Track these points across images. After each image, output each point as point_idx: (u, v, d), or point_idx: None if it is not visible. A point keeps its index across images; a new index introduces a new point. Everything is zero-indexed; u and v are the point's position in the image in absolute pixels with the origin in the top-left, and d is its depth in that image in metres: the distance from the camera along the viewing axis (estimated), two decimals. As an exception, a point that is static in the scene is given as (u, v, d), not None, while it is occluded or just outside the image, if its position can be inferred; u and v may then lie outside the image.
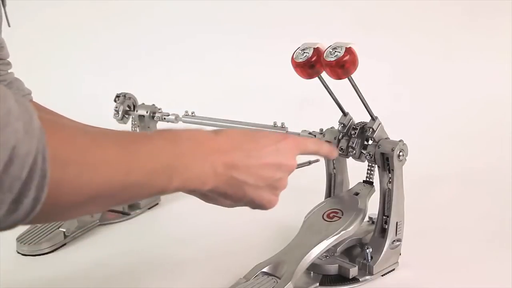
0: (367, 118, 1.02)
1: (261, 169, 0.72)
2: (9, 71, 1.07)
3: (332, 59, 0.92)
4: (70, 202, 0.53)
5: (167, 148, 0.62)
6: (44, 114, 0.51)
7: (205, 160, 0.65)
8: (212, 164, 0.66)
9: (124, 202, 0.62)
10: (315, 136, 1.08)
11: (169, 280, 1.03)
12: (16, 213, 0.48)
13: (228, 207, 0.75)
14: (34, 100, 1.05)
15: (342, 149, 1.03)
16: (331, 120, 1.07)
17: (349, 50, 0.93)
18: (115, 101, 1.29)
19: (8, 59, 1.07)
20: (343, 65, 0.92)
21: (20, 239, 1.14)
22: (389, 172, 1.00)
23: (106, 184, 0.55)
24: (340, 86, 0.98)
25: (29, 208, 0.49)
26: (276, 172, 0.74)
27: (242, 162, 0.69)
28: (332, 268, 1.01)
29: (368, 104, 1.00)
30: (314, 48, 0.96)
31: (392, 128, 1.04)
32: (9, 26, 0.96)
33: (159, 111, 1.28)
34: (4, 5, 0.93)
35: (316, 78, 0.99)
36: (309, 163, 1.06)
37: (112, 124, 1.32)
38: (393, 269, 1.04)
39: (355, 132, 1.02)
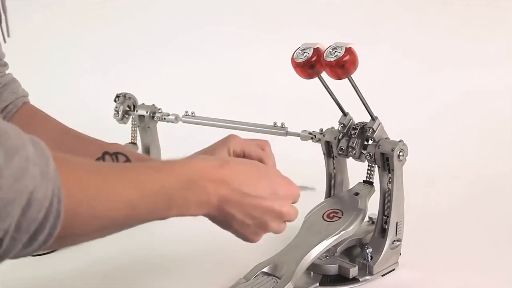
0: (367, 118, 1.02)
1: (252, 209, 0.74)
2: (6, 72, 1.05)
3: (332, 59, 0.92)
4: (79, 234, 0.58)
5: (171, 183, 0.66)
6: (57, 151, 0.54)
7: (204, 191, 0.69)
8: (210, 194, 0.70)
9: (126, 229, 0.66)
10: (315, 136, 1.08)
11: (169, 280, 1.03)
12: (30, 248, 0.53)
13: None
14: (32, 102, 1.03)
15: (342, 149, 1.03)
16: (331, 120, 1.07)
17: (349, 50, 0.93)
18: (115, 101, 1.29)
19: (4, 60, 1.06)
20: (343, 65, 0.92)
21: (20, 239, 1.14)
22: (389, 172, 1.00)
23: (113, 218, 0.61)
24: (340, 86, 0.98)
25: (42, 243, 0.53)
26: (266, 215, 0.76)
27: (236, 199, 0.72)
28: (332, 268, 1.01)
29: (368, 104, 1.00)
30: (314, 48, 0.96)
31: (392, 128, 1.04)
32: (8, 36, 0.96)
33: (159, 111, 1.28)
34: (5, 13, 0.93)
35: (316, 78, 0.99)
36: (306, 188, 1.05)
37: (112, 124, 1.32)
38: (393, 269, 1.04)
39: (355, 132, 1.02)
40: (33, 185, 0.50)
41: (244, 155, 0.93)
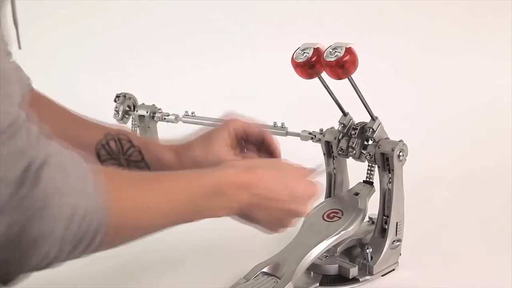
0: (367, 118, 1.02)
1: (272, 211, 0.79)
2: (10, 60, 1.05)
3: (332, 59, 0.92)
4: (116, 243, 0.64)
5: (199, 194, 0.71)
6: (94, 159, 0.62)
7: (229, 198, 0.74)
8: (233, 200, 0.75)
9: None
10: (315, 136, 1.08)
11: (169, 280, 1.03)
12: (73, 255, 0.58)
13: None
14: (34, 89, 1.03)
15: (342, 149, 1.03)
16: (331, 120, 1.07)
17: (349, 50, 0.93)
18: (115, 101, 1.29)
19: (7, 49, 1.06)
20: (343, 65, 0.92)
21: (20, 239, 1.13)
22: (389, 172, 1.00)
23: (148, 227, 0.67)
24: (340, 86, 0.98)
25: (84, 251, 0.59)
26: (285, 215, 0.82)
27: (258, 202, 0.77)
28: (332, 268, 1.01)
29: (368, 104, 1.00)
30: (314, 48, 0.96)
31: (392, 128, 1.04)
32: (19, 48, 0.97)
33: (159, 111, 1.28)
34: (16, 26, 0.93)
35: (316, 78, 0.99)
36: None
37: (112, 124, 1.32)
38: (393, 269, 1.04)
39: (355, 132, 1.02)
40: (78, 200, 0.55)
41: (247, 139, 0.93)
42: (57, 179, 0.54)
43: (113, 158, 0.89)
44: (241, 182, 0.75)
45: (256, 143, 0.94)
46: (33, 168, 0.52)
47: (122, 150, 0.89)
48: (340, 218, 1.01)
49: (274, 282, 0.95)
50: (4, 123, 0.52)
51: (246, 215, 0.78)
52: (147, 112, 1.28)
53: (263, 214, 0.78)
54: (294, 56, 0.98)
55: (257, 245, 1.14)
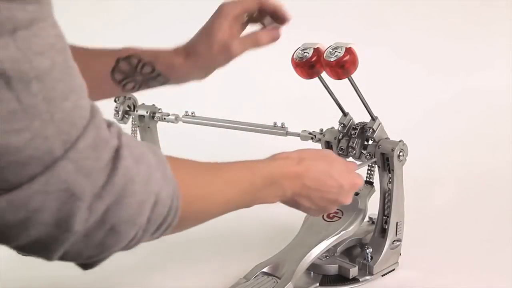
0: (367, 118, 1.02)
1: (319, 200, 0.83)
2: None
3: (332, 59, 0.92)
4: (185, 226, 0.67)
5: (257, 183, 0.75)
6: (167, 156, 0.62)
7: (281, 187, 0.78)
8: (285, 190, 0.79)
9: None
10: (315, 136, 1.08)
11: (169, 280, 1.03)
12: (154, 235, 0.62)
13: None
14: None
15: (342, 149, 1.03)
16: (331, 120, 1.07)
17: (349, 50, 0.93)
18: (115, 101, 1.29)
19: None
20: (343, 65, 0.92)
21: (20, 239, 1.13)
22: (389, 172, 1.00)
23: (209, 214, 0.71)
24: (340, 86, 0.98)
25: (162, 232, 0.62)
26: (329, 204, 0.85)
27: (306, 192, 0.81)
28: (332, 268, 1.01)
29: (368, 104, 1.00)
30: (314, 48, 0.96)
31: (392, 128, 1.04)
32: None
33: (159, 111, 1.28)
34: None
35: (316, 78, 0.99)
36: None
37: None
38: (393, 269, 1.04)
39: (355, 132, 1.02)
40: (158, 187, 0.58)
41: (248, 16, 0.93)
42: (142, 168, 0.57)
43: (128, 77, 0.91)
44: (294, 173, 0.79)
45: (257, 15, 0.94)
46: (115, 157, 0.55)
47: (133, 68, 0.91)
48: (340, 218, 1.01)
49: (274, 282, 0.95)
50: (86, 114, 0.54)
51: (294, 202, 0.82)
52: (147, 112, 1.27)
53: (309, 203, 0.82)
54: (294, 56, 0.98)
55: (257, 245, 1.14)
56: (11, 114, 0.48)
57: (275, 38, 0.93)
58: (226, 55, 0.91)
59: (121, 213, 0.55)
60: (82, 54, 0.91)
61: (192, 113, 1.25)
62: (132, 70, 0.91)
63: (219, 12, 0.92)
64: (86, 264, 0.61)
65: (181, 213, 0.62)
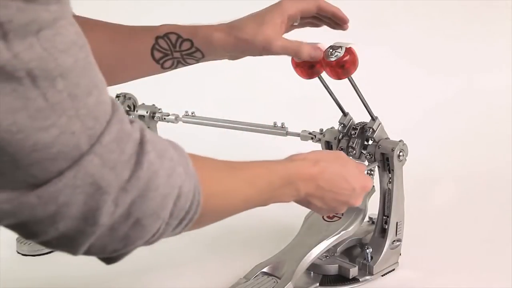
0: (367, 118, 1.02)
1: (331, 201, 0.85)
2: None
3: (332, 59, 0.92)
4: (205, 222, 0.69)
5: (275, 183, 0.77)
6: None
7: (296, 188, 0.79)
8: (300, 190, 0.80)
9: None
10: (315, 136, 1.08)
11: (169, 280, 1.03)
12: (176, 230, 0.62)
13: None
14: None
15: (342, 149, 1.03)
16: (331, 120, 1.07)
17: (349, 50, 0.93)
18: (115, 101, 1.29)
19: None
20: (343, 65, 0.92)
21: (20, 239, 1.14)
22: (389, 172, 1.00)
23: (228, 211, 0.72)
24: (340, 86, 0.98)
25: (184, 227, 0.63)
26: (340, 205, 0.87)
27: (320, 194, 0.83)
28: (332, 268, 1.01)
29: (368, 104, 1.00)
30: (314, 48, 0.96)
31: (392, 128, 1.04)
32: None
33: (159, 111, 1.28)
34: None
35: (316, 78, 0.99)
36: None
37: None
38: (393, 269, 1.04)
39: (355, 132, 1.02)
40: (180, 181, 0.59)
41: (301, 16, 0.94)
42: (165, 163, 0.58)
43: (167, 55, 0.92)
44: (310, 175, 0.80)
45: (313, 16, 0.95)
46: (139, 151, 0.56)
47: (172, 45, 0.92)
48: (340, 218, 1.01)
49: (274, 282, 0.95)
50: (109, 109, 0.54)
51: (307, 202, 0.83)
52: (147, 112, 1.28)
53: (321, 203, 0.84)
54: (294, 56, 0.98)
55: (257, 245, 1.14)
56: (38, 111, 0.49)
57: (315, 57, 0.93)
58: (265, 49, 0.91)
59: (145, 206, 0.56)
60: (121, 33, 0.93)
61: (192, 113, 1.25)
62: (171, 48, 0.92)
63: (278, 6, 0.92)
64: (109, 258, 0.61)
65: (202, 209, 0.63)
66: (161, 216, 0.58)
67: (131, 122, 0.57)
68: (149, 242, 0.61)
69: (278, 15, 0.91)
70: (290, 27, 0.95)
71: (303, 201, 0.83)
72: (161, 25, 0.93)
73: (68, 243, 0.55)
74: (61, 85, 0.50)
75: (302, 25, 0.97)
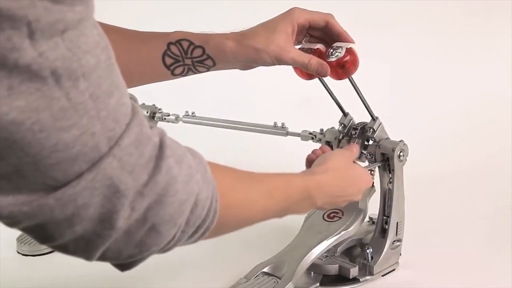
0: (367, 118, 1.01)
1: (340, 203, 0.89)
2: None
3: (333, 60, 0.92)
4: (222, 231, 0.69)
5: (294, 196, 0.78)
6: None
7: (313, 201, 0.81)
8: (316, 202, 0.81)
9: None
10: (315, 136, 1.08)
11: (169, 280, 1.03)
12: (192, 239, 0.63)
13: None
14: None
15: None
16: (331, 120, 1.07)
17: (349, 51, 0.93)
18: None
19: None
20: (343, 65, 0.92)
21: (20, 239, 1.14)
22: (390, 172, 1.00)
23: (245, 221, 0.73)
24: (340, 86, 0.98)
25: (200, 236, 0.63)
26: (344, 203, 0.91)
27: (332, 201, 0.86)
28: (333, 268, 1.01)
29: (369, 104, 1.00)
30: (314, 49, 0.96)
31: (392, 128, 1.04)
32: None
33: (159, 111, 1.28)
34: None
35: (316, 78, 0.99)
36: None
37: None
38: (394, 269, 1.04)
39: (356, 132, 1.02)
40: (198, 188, 0.59)
41: (309, 26, 0.94)
42: (183, 169, 0.58)
43: (178, 61, 0.93)
44: (324, 188, 0.82)
45: (320, 30, 0.95)
46: (158, 155, 0.56)
47: (184, 51, 0.92)
48: (340, 218, 1.01)
49: (275, 282, 0.95)
50: (129, 112, 0.54)
51: (319, 208, 0.86)
52: (147, 112, 1.27)
53: (328, 207, 0.90)
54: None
55: (257, 245, 1.14)
56: (61, 111, 0.49)
57: (320, 74, 0.93)
58: (277, 59, 0.91)
59: (162, 212, 0.56)
60: (133, 39, 0.93)
61: (192, 113, 1.25)
62: (181, 54, 0.92)
63: (290, 14, 0.93)
64: (124, 265, 0.61)
65: (219, 217, 0.62)
66: (178, 223, 0.58)
67: (151, 127, 0.57)
68: (164, 250, 0.60)
69: (289, 24, 0.91)
70: (299, 43, 0.96)
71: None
72: (173, 32, 0.93)
73: (84, 246, 0.55)
74: (84, 86, 0.50)
75: (311, 41, 0.97)
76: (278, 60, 0.91)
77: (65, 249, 0.56)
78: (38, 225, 0.52)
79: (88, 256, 0.57)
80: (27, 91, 0.47)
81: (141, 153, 0.54)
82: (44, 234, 0.54)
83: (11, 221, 0.52)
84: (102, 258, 0.57)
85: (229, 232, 0.70)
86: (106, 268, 1.08)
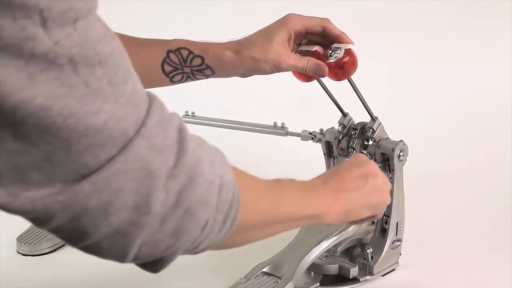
0: (367, 118, 1.02)
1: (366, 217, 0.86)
2: None
3: (332, 61, 0.92)
4: (232, 244, 0.71)
5: (304, 221, 0.77)
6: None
7: (330, 218, 0.78)
8: (333, 218, 0.78)
9: None
10: (315, 136, 1.08)
11: (169, 280, 1.03)
12: (220, 233, 0.62)
13: None
14: None
15: (342, 149, 1.03)
16: (331, 120, 1.07)
17: (348, 52, 0.93)
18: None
19: None
20: (342, 66, 0.93)
21: (20, 239, 1.14)
22: (390, 172, 1.00)
23: (263, 233, 0.73)
24: (340, 86, 0.98)
25: (229, 227, 0.62)
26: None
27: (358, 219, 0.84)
28: (333, 268, 1.01)
29: (368, 104, 1.00)
30: (312, 51, 0.96)
31: (392, 128, 1.04)
32: None
33: (159, 111, 1.28)
34: None
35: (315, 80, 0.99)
36: None
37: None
38: (394, 269, 1.04)
39: (355, 133, 1.02)
40: (221, 171, 0.59)
41: (306, 32, 0.94)
42: (206, 150, 0.58)
43: (177, 69, 0.93)
44: (340, 210, 0.79)
45: (317, 34, 0.95)
46: (180, 138, 0.56)
47: (183, 60, 0.93)
48: (340, 218, 1.01)
49: (275, 282, 0.95)
50: (145, 98, 0.55)
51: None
52: (147, 112, 1.27)
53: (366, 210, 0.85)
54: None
55: (257, 245, 1.14)
56: (83, 97, 0.49)
57: (319, 74, 0.93)
58: (275, 67, 0.91)
59: (193, 193, 0.56)
60: (132, 44, 0.93)
61: (192, 113, 1.25)
62: (181, 62, 0.93)
63: (286, 22, 0.93)
64: (157, 264, 0.62)
65: (240, 220, 0.62)
66: (210, 203, 0.57)
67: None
68: (197, 244, 0.61)
69: (286, 32, 0.92)
70: (296, 46, 0.96)
71: None
72: (173, 40, 0.94)
73: (120, 241, 0.54)
74: (100, 72, 0.50)
75: (309, 43, 0.97)
76: (277, 69, 0.91)
77: (99, 247, 0.55)
78: (73, 219, 0.52)
79: (123, 254, 0.56)
80: (46, 80, 0.47)
81: (166, 135, 0.55)
82: (78, 230, 0.53)
83: (44, 216, 0.52)
84: (137, 256, 0.57)
85: (241, 245, 0.72)
86: (106, 268, 1.08)
